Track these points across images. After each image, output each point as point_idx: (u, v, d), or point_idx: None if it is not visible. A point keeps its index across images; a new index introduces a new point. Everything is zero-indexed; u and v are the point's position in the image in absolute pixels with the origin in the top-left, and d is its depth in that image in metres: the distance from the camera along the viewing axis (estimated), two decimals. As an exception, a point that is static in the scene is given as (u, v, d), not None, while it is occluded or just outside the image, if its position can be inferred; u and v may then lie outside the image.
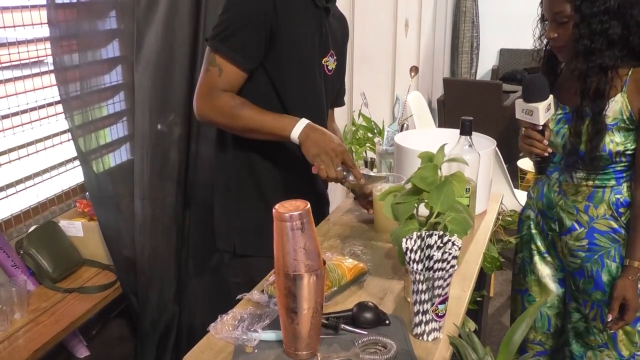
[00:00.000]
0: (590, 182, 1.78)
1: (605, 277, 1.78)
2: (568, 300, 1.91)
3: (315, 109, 1.73)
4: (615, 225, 1.77)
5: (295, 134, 1.59)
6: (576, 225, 1.82)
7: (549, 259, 1.95)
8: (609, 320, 1.72)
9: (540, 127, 1.73)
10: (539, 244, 1.96)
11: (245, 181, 1.75)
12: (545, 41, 1.84)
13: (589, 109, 1.70)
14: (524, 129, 1.78)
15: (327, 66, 1.73)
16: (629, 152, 1.72)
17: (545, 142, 1.73)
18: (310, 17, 1.65)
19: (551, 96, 1.70)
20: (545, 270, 1.95)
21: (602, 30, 1.62)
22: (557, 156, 1.86)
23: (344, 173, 1.64)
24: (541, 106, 1.68)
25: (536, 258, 1.97)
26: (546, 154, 1.76)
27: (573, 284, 1.87)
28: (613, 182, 1.77)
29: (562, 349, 1.97)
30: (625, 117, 1.69)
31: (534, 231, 1.97)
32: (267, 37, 1.58)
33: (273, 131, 1.61)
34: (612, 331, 1.77)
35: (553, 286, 1.95)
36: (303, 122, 1.59)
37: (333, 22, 1.76)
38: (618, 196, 1.76)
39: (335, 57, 1.75)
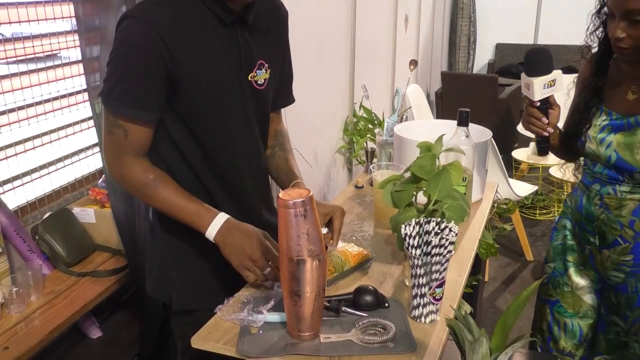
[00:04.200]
0: (637, 196, 1.58)
1: None
2: (605, 312, 1.75)
3: (239, 137, 1.47)
4: None
5: (211, 233, 1.35)
6: (620, 240, 1.63)
7: (585, 271, 1.77)
8: None
9: (537, 104, 1.58)
10: (575, 256, 1.78)
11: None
12: (599, 37, 1.60)
13: None
14: (524, 104, 1.64)
15: (255, 82, 1.44)
16: None
17: (545, 120, 1.59)
18: (217, 39, 1.36)
19: (556, 72, 1.55)
20: (581, 282, 1.77)
21: None
22: (599, 166, 1.63)
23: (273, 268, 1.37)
24: (537, 81, 1.54)
25: (571, 270, 1.78)
26: (546, 134, 1.62)
27: (614, 297, 1.70)
28: None
29: (589, 357, 1.83)
30: None
31: (570, 242, 1.79)
32: (165, 80, 1.31)
33: (187, 222, 1.37)
34: None
35: (588, 297, 1.76)
36: (220, 220, 1.36)
37: (258, 24, 1.43)
38: None
39: (267, 65, 1.46)
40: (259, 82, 1.45)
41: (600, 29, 1.59)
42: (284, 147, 1.63)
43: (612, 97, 1.60)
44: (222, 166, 1.45)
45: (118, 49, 1.31)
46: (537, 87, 1.55)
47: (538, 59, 1.56)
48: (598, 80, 1.63)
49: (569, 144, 1.70)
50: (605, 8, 1.53)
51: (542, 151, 1.71)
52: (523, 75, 1.59)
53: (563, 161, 1.88)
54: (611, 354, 1.73)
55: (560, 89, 1.58)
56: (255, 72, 1.44)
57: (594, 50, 1.66)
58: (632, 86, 1.56)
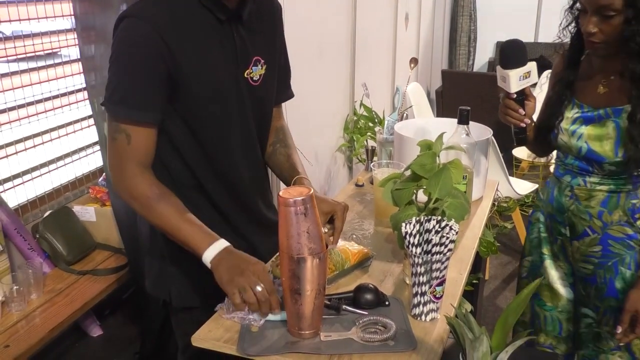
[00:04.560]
0: (605, 187, 1.61)
1: (619, 284, 1.63)
2: (577, 306, 1.77)
3: (236, 135, 1.45)
4: (630, 232, 1.60)
5: (209, 256, 1.29)
6: (589, 231, 1.65)
7: (559, 263, 1.79)
8: (619, 332, 1.56)
9: (514, 95, 1.59)
10: (549, 247, 1.80)
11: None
12: (571, 32, 1.63)
13: None
14: (500, 96, 1.66)
15: (251, 78, 1.42)
16: None
17: (522, 111, 1.61)
18: (214, 37, 1.34)
19: (531, 64, 1.56)
20: (556, 275, 1.79)
21: None
22: (570, 158, 1.66)
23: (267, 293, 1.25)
24: (513, 73, 1.55)
25: (547, 262, 1.80)
26: (523, 125, 1.64)
27: (583, 289, 1.72)
28: (629, 187, 1.59)
29: (573, 354, 1.82)
30: None
31: (543, 235, 1.81)
32: (165, 79, 1.29)
33: (186, 244, 1.32)
34: (621, 343, 1.61)
35: (564, 291, 1.79)
36: (219, 245, 1.29)
37: (252, 20, 1.41)
38: (634, 201, 1.59)
39: (263, 61, 1.44)
40: (254, 79, 1.43)
41: (573, 25, 1.62)
42: (285, 143, 1.61)
43: (584, 90, 1.63)
44: (219, 163, 1.44)
45: (118, 50, 1.29)
46: (514, 80, 1.57)
47: (513, 52, 1.58)
48: (570, 75, 1.66)
49: (542, 137, 1.72)
50: (578, 4, 1.56)
51: (520, 142, 1.73)
52: (498, 68, 1.60)
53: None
54: (585, 348, 1.74)
55: (535, 80, 1.60)
56: (251, 68, 1.42)
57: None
58: (602, 80, 1.60)
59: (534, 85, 1.67)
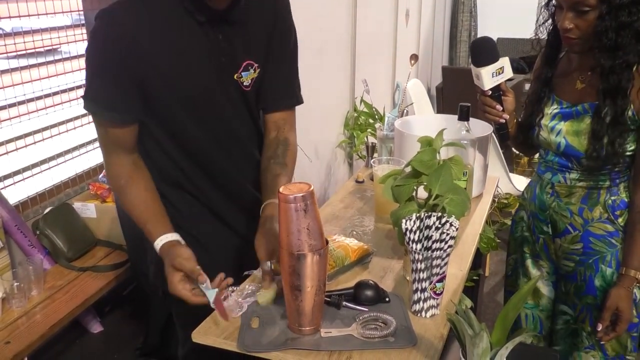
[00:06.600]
0: (585, 184, 1.61)
1: (598, 282, 1.62)
2: (557, 303, 1.77)
3: (223, 138, 1.43)
4: (611, 229, 1.60)
5: (156, 248, 1.34)
6: (570, 229, 1.65)
7: (540, 262, 1.78)
8: (599, 329, 1.56)
9: (489, 92, 1.60)
10: (530, 247, 1.80)
11: None
12: (548, 29, 1.64)
13: (610, 109, 1.49)
14: (478, 94, 1.66)
15: (242, 83, 1.38)
16: (627, 153, 1.54)
17: (499, 107, 1.62)
18: (194, 39, 1.30)
19: (504, 59, 1.57)
20: (537, 274, 1.79)
21: (630, 23, 1.42)
22: (550, 154, 1.66)
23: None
24: (485, 71, 1.57)
25: (528, 261, 1.81)
26: (502, 121, 1.64)
27: (564, 286, 1.72)
28: (608, 183, 1.59)
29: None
30: (626, 117, 1.50)
31: (526, 234, 1.81)
32: (139, 82, 1.27)
33: (144, 231, 1.37)
34: (602, 342, 1.61)
35: (545, 289, 1.78)
36: (162, 240, 1.32)
37: (248, 21, 1.36)
38: (614, 197, 1.59)
39: (256, 65, 1.39)
40: (245, 84, 1.40)
41: (549, 21, 1.63)
42: (281, 161, 1.48)
43: (563, 86, 1.64)
44: (207, 167, 1.44)
45: (90, 50, 1.29)
46: (486, 77, 1.57)
47: (483, 49, 1.59)
48: (548, 71, 1.67)
49: (525, 135, 1.73)
50: (554, 0, 1.56)
51: (502, 138, 1.72)
52: (472, 66, 1.61)
53: None
54: (561, 345, 1.74)
55: (510, 75, 1.60)
56: (241, 73, 1.38)
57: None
58: (580, 76, 1.61)
59: (511, 79, 1.66)
